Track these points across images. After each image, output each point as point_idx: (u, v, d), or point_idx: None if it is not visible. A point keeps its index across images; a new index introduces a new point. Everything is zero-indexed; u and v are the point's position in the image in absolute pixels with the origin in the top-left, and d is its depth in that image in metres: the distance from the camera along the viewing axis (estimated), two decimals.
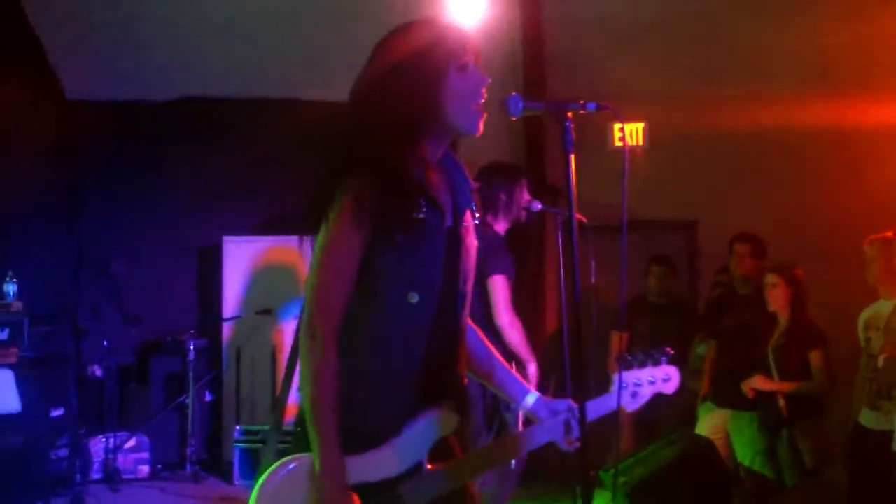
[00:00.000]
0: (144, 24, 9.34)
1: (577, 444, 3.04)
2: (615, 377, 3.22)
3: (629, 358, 3.33)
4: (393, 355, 2.71)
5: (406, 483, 2.69)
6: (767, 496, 6.57)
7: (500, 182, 6.07)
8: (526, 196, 6.10)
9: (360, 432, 2.63)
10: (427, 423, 2.73)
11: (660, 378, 3.32)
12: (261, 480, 2.61)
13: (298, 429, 2.70)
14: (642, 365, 3.28)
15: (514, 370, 3.30)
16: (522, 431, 3.07)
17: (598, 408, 3.16)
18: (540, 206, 5.90)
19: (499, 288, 5.81)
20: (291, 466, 2.63)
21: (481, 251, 5.85)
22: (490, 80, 2.81)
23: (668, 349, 3.37)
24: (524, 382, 3.22)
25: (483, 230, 6.01)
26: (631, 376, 3.26)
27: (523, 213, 6.10)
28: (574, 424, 3.05)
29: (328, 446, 2.56)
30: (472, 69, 2.79)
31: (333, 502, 2.54)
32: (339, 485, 2.55)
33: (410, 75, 2.71)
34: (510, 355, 5.87)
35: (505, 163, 6.50)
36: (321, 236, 2.64)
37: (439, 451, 2.77)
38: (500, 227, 6.05)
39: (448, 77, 2.74)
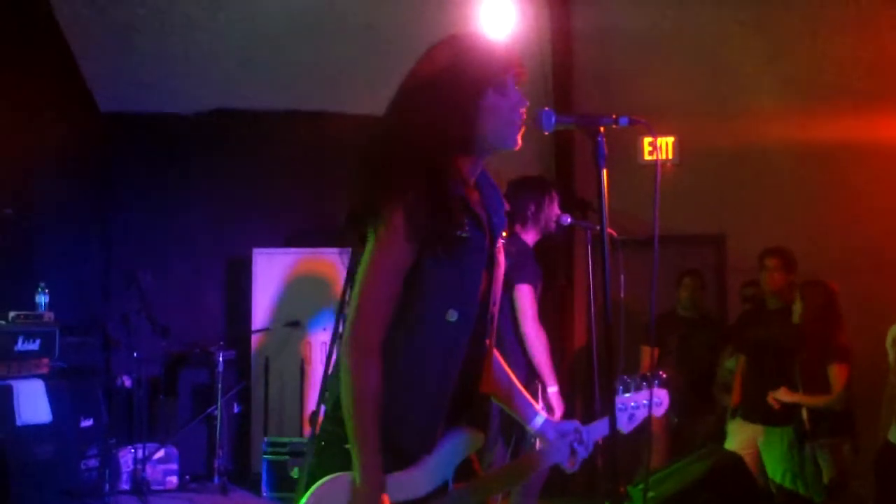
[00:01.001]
0: (176, 38, 9.41)
1: (577, 466, 3.10)
2: (616, 400, 3.24)
3: (628, 380, 3.36)
4: (428, 373, 2.68)
5: (434, 502, 2.69)
6: None
7: (529, 193, 6.06)
8: (556, 209, 6.08)
9: (394, 450, 2.61)
10: (456, 443, 2.74)
11: (654, 401, 3.35)
12: (306, 497, 2.57)
13: (322, 443, 2.70)
14: (639, 388, 3.31)
15: (527, 391, 3.31)
16: (534, 452, 3.07)
17: (597, 430, 3.18)
18: (570, 220, 5.89)
19: (525, 297, 5.79)
20: (337, 482, 2.59)
21: (508, 261, 5.86)
22: (528, 103, 2.80)
23: (661, 373, 3.40)
24: (534, 404, 3.21)
25: (511, 240, 6.03)
26: (630, 399, 3.29)
27: (553, 225, 6.08)
28: (578, 448, 3.10)
29: (371, 463, 2.53)
30: (512, 89, 2.78)
31: None
32: (379, 501, 2.53)
33: (448, 92, 2.68)
34: (533, 372, 5.86)
35: (535, 176, 6.49)
36: (369, 250, 2.59)
37: (463, 469, 2.78)
38: (529, 237, 6.04)
39: (486, 95, 2.72)
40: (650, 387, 3.33)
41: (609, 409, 2.81)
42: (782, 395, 6.53)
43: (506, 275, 5.80)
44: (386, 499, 2.54)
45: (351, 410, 2.55)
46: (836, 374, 6.39)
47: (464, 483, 2.78)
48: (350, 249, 2.75)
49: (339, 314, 2.74)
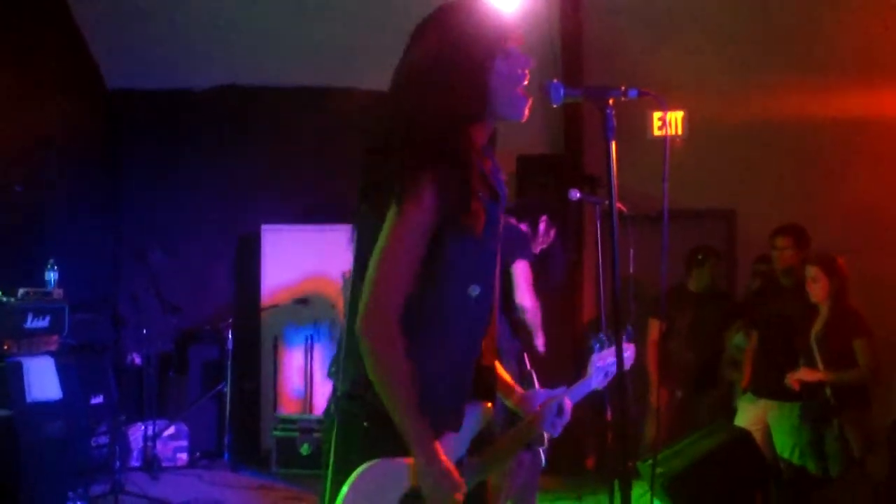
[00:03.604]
0: (184, 13, 9.39)
1: (559, 431, 3.09)
2: (592, 359, 3.26)
3: (603, 337, 3.38)
4: (455, 350, 2.67)
5: None
6: (807, 488, 6.52)
7: (548, 213, 6.19)
8: (551, 234, 6.23)
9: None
10: (472, 417, 2.73)
11: (624, 356, 3.37)
12: (345, 490, 2.49)
13: (340, 423, 2.67)
14: (611, 344, 3.32)
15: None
16: (528, 418, 3.06)
17: (580, 391, 3.20)
18: (578, 195, 5.87)
19: (524, 271, 5.80)
20: (375, 470, 2.52)
21: (504, 239, 5.89)
22: (533, 62, 2.77)
23: (628, 326, 3.43)
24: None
25: (505, 223, 6.07)
26: (605, 356, 3.31)
27: (536, 251, 6.19)
28: (557, 418, 3.08)
29: (425, 437, 2.50)
30: (516, 52, 2.74)
31: (450, 488, 2.51)
32: (446, 468, 2.51)
33: (458, 61, 2.64)
34: (523, 358, 5.88)
35: (536, 203, 6.52)
36: (389, 223, 2.52)
37: (476, 443, 2.78)
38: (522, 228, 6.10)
39: (495, 62, 2.68)
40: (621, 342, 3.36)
41: (620, 383, 2.79)
42: (804, 375, 6.49)
43: (503, 252, 5.83)
44: (453, 468, 2.53)
45: (387, 390, 2.50)
46: (864, 348, 6.36)
47: (476, 456, 2.77)
48: (356, 224, 2.72)
49: (353, 293, 2.68)
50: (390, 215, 2.52)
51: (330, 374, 2.60)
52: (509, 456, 3.14)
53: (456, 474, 2.52)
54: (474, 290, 2.65)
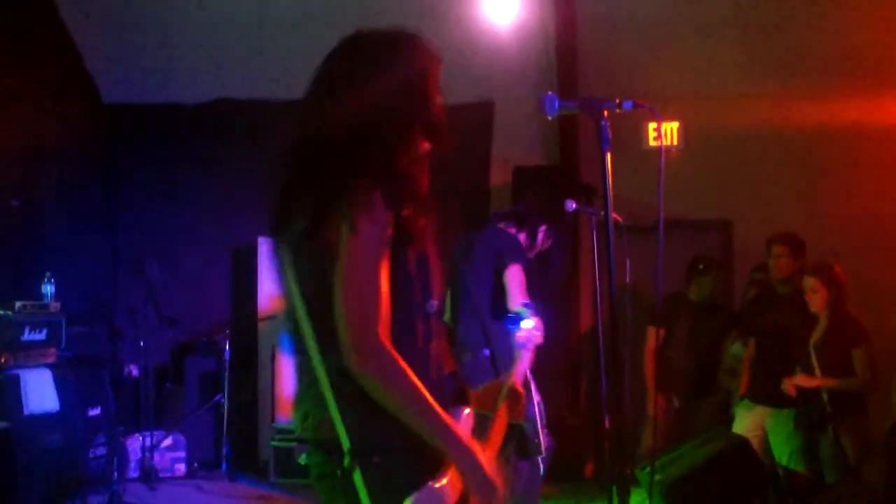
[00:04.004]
0: (178, 28, 9.42)
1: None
2: (515, 337, 3.31)
3: (515, 316, 3.44)
4: (427, 371, 2.59)
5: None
6: (805, 494, 6.54)
7: (528, 224, 6.13)
8: (549, 241, 6.21)
9: (418, 455, 2.49)
10: (464, 422, 2.73)
11: (534, 333, 3.42)
12: None
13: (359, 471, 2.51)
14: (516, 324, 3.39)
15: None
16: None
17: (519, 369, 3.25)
18: (574, 206, 5.88)
19: (517, 275, 5.77)
20: (423, 497, 2.45)
21: (496, 248, 5.88)
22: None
23: (528, 302, 3.51)
24: None
25: (498, 230, 6.08)
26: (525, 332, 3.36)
27: (532, 254, 6.17)
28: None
29: (463, 448, 2.46)
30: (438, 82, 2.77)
31: (495, 482, 2.48)
32: (486, 472, 2.48)
33: (406, 90, 2.65)
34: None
35: (537, 209, 6.50)
36: (345, 246, 2.41)
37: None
38: (519, 237, 6.09)
39: (435, 92, 2.72)
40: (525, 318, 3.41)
41: (617, 390, 2.82)
42: (801, 381, 6.51)
43: (493, 260, 5.84)
44: (495, 475, 2.49)
45: (415, 414, 2.42)
46: (863, 356, 6.39)
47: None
48: (284, 256, 2.63)
49: (299, 324, 2.58)
50: (344, 238, 2.42)
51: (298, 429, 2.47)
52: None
53: (493, 480, 2.50)
54: (431, 307, 2.65)
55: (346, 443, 2.45)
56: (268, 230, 2.70)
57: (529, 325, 3.44)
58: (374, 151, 2.52)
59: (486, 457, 2.49)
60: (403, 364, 2.41)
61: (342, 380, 2.46)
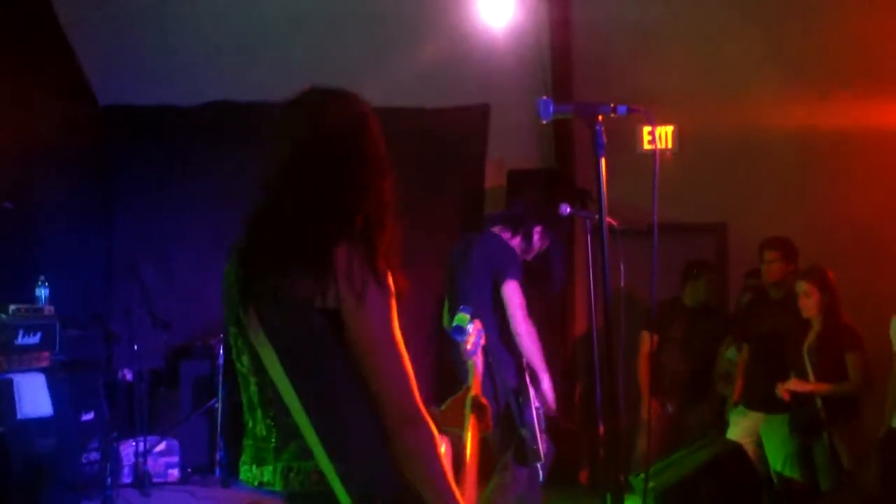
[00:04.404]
0: (175, 30, 9.40)
1: None
2: (463, 348, 3.30)
3: (459, 326, 3.44)
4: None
5: None
6: (799, 500, 6.54)
7: (546, 221, 6.20)
8: (546, 241, 6.23)
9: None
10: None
11: (481, 332, 3.44)
12: None
13: None
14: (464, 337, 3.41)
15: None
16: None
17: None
18: (569, 210, 5.87)
19: (515, 293, 5.78)
20: None
21: (492, 258, 5.89)
22: None
23: (463, 306, 3.53)
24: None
25: (493, 238, 6.07)
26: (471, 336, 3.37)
27: (530, 257, 6.22)
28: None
29: None
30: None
31: None
32: None
33: (367, 163, 2.65)
34: (522, 372, 5.87)
35: (533, 210, 6.47)
36: (368, 316, 2.42)
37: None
38: (513, 243, 6.09)
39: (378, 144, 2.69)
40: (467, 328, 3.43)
41: (611, 394, 2.80)
42: (795, 386, 6.52)
43: (490, 271, 5.84)
44: None
45: (432, 489, 2.45)
46: (856, 361, 6.40)
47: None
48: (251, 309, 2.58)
49: (270, 382, 2.56)
50: (353, 311, 2.42)
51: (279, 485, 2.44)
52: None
53: None
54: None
55: (345, 498, 2.45)
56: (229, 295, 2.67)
57: (471, 331, 3.45)
58: (345, 211, 2.52)
59: (466, 491, 2.51)
60: (437, 437, 2.46)
61: (329, 434, 2.46)
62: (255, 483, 2.65)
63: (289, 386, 2.48)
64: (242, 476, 2.71)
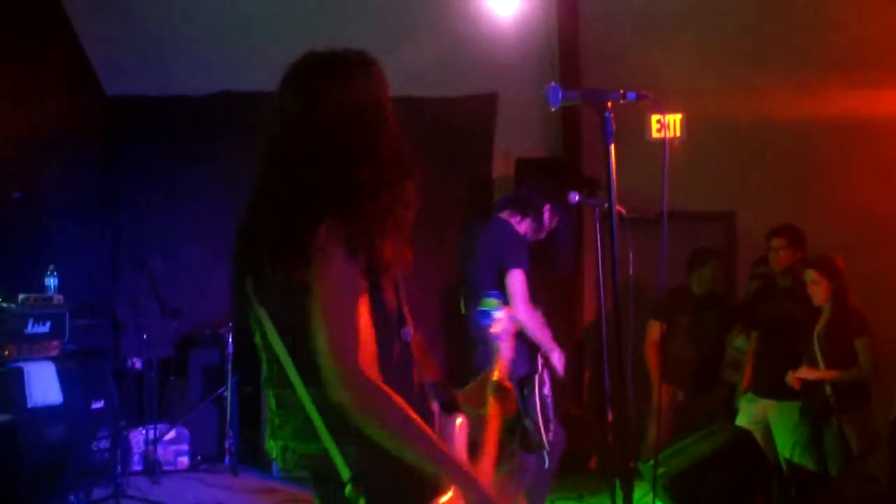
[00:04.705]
0: (182, 20, 9.40)
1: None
2: (491, 332, 3.31)
3: (485, 311, 3.45)
4: (404, 390, 2.50)
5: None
6: (807, 486, 6.54)
7: (552, 201, 6.15)
8: (556, 219, 6.20)
9: (420, 481, 2.46)
10: (454, 432, 2.73)
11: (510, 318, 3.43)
12: None
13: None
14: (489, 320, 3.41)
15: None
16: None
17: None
18: (577, 198, 5.87)
19: (517, 282, 5.76)
20: None
21: (499, 245, 5.87)
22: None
23: (495, 290, 3.53)
24: None
25: (500, 226, 6.06)
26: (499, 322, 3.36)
27: (543, 235, 6.20)
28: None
29: (455, 466, 2.43)
30: (385, 99, 2.75)
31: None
32: (486, 492, 2.43)
33: (356, 117, 2.64)
34: (534, 357, 5.86)
35: (557, 181, 6.44)
36: (315, 277, 2.40)
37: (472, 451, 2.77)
38: (521, 229, 6.08)
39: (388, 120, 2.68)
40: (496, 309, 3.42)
41: (621, 383, 2.81)
42: (805, 374, 6.52)
43: (496, 258, 5.82)
44: (493, 493, 2.45)
45: (406, 442, 2.39)
46: (865, 347, 6.40)
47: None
48: (254, 286, 2.60)
49: (276, 359, 2.56)
50: (317, 274, 2.41)
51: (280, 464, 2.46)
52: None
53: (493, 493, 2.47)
54: (407, 334, 2.63)
55: (345, 472, 2.44)
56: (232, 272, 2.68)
57: (500, 316, 3.44)
58: (332, 186, 2.51)
59: (482, 472, 2.52)
60: (390, 393, 2.38)
61: (328, 409, 2.43)
62: (273, 457, 2.63)
63: (290, 363, 2.50)
64: (267, 448, 2.69)
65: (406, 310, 2.66)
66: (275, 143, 2.73)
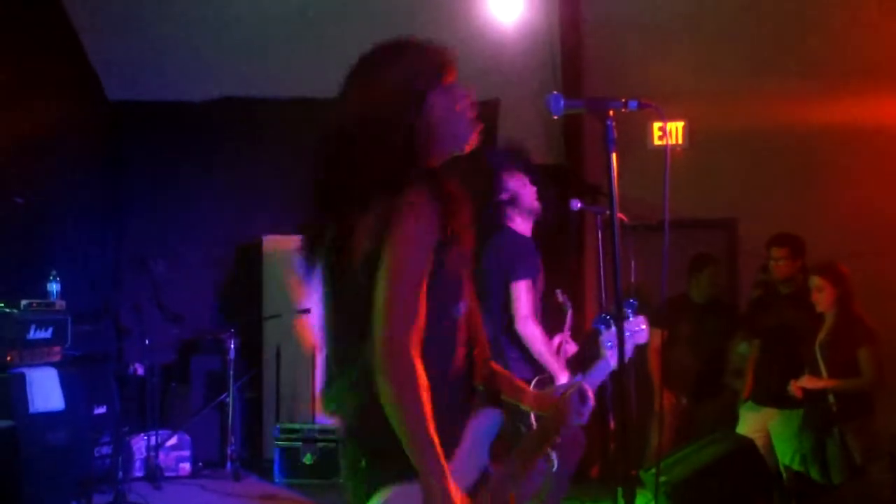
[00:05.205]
0: (183, 25, 9.41)
1: (587, 418, 3.06)
2: (602, 340, 3.24)
3: (607, 317, 3.37)
4: (449, 370, 2.64)
5: (480, 495, 2.64)
6: (809, 495, 6.53)
7: (498, 186, 6.01)
8: (529, 186, 6.03)
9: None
10: (482, 427, 2.72)
11: (635, 330, 3.35)
12: None
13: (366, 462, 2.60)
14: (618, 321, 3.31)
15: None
16: (551, 412, 3.05)
17: (598, 374, 3.18)
18: (579, 205, 5.86)
19: (521, 293, 5.71)
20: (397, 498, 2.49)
21: (506, 255, 5.80)
22: (471, 94, 2.79)
23: (631, 300, 3.42)
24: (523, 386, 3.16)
25: (505, 234, 6.01)
26: (614, 334, 3.28)
27: (536, 205, 6.00)
28: (582, 404, 3.05)
29: (441, 471, 2.43)
30: (453, 86, 2.76)
31: None
32: (455, 493, 2.44)
33: (387, 103, 2.67)
34: (534, 364, 5.81)
35: (495, 165, 6.30)
36: (391, 249, 2.46)
37: (495, 450, 2.75)
38: (520, 227, 5.99)
39: (427, 98, 2.70)
40: (628, 318, 3.34)
41: (622, 390, 2.80)
42: (807, 383, 6.51)
43: (503, 270, 5.76)
44: (462, 496, 2.47)
45: (411, 427, 2.43)
46: (869, 356, 6.38)
47: (500, 463, 2.75)
48: (322, 264, 2.68)
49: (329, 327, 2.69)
50: (391, 239, 2.47)
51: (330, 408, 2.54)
52: (536, 456, 3.10)
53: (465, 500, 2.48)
54: (459, 310, 2.66)
55: (371, 435, 2.54)
56: (300, 236, 2.77)
57: (634, 326, 3.40)
58: (388, 158, 2.58)
59: (458, 489, 2.47)
60: (420, 376, 2.44)
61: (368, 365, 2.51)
62: (323, 409, 2.78)
63: (344, 323, 2.62)
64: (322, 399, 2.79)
65: (467, 286, 2.71)
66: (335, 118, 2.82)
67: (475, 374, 2.79)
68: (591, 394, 3.08)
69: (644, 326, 3.42)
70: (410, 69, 2.72)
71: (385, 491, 2.51)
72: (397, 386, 2.42)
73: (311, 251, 2.72)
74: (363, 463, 2.57)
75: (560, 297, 6.24)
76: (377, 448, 2.54)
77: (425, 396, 2.43)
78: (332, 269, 2.66)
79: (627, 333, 3.26)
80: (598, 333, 3.44)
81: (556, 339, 5.99)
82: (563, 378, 5.82)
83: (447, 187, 2.57)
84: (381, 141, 2.62)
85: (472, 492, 2.62)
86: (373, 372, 2.46)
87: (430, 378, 2.52)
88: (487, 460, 2.70)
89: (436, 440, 2.44)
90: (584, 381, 3.11)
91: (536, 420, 3.08)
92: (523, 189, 5.99)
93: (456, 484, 2.48)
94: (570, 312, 6.04)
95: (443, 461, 2.45)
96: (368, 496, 2.54)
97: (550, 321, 6.08)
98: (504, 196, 5.94)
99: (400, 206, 2.47)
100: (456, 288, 2.66)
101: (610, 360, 3.25)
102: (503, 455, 2.82)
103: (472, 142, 2.78)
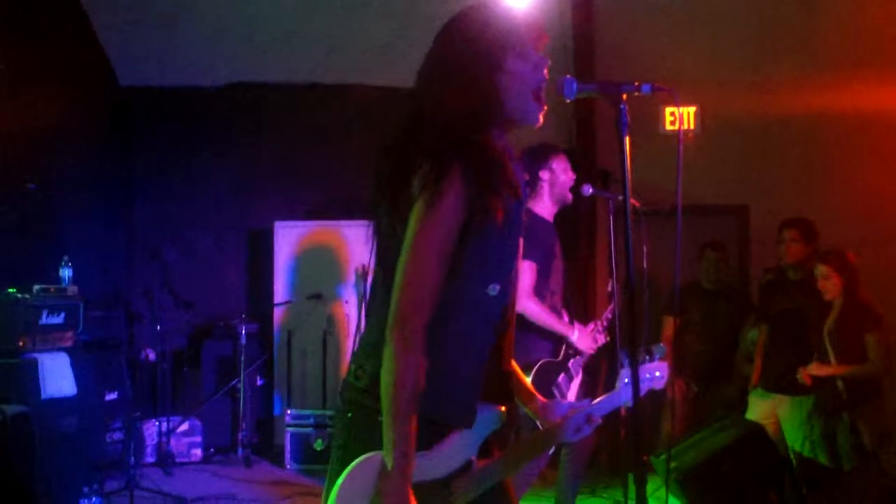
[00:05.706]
0: (195, 11, 9.40)
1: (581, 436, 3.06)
2: (621, 374, 3.22)
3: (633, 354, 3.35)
4: (472, 348, 2.64)
5: (458, 480, 2.66)
6: (819, 481, 6.52)
7: (540, 163, 5.93)
8: (570, 174, 5.98)
9: (435, 422, 2.57)
10: (483, 420, 2.71)
11: (654, 373, 3.33)
12: (342, 477, 2.48)
13: (351, 415, 2.65)
14: (642, 361, 3.29)
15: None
16: (546, 429, 3.04)
17: (607, 405, 3.17)
18: (591, 191, 5.82)
19: (525, 273, 5.67)
20: (370, 462, 2.49)
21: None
22: (549, 62, 2.76)
23: (662, 344, 3.39)
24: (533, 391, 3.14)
25: (530, 214, 5.97)
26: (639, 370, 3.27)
27: (569, 195, 5.95)
28: (584, 426, 3.05)
29: (404, 450, 2.42)
30: (531, 54, 2.72)
31: (396, 501, 2.43)
32: (405, 488, 2.43)
33: (470, 61, 2.63)
34: (547, 333, 5.77)
35: (544, 144, 6.27)
36: (416, 218, 2.46)
37: (485, 447, 2.75)
38: (545, 211, 5.93)
39: (506, 61, 2.66)
40: (651, 360, 3.32)
41: (633, 381, 2.79)
42: (816, 370, 6.50)
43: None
44: (411, 494, 2.45)
45: (390, 395, 2.44)
46: (876, 342, 6.38)
47: (486, 460, 2.75)
48: (377, 220, 2.68)
49: (373, 287, 2.71)
50: (416, 210, 2.47)
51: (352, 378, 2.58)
52: (523, 462, 3.10)
53: (409, 498, 2.46)
54: (493, 289, 2.62)
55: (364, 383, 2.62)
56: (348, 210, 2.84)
57: (654, 370, 3.39)
58: (451, 135, 2.54)
59: (409, 490, 2.46)
60: (419, 359, 2.45)
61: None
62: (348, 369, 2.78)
63: (383, 292, 2.60)
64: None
65: (508, 269, 2.69)
66: (423, 81, 2.74)
67: (502, 361, 2.78)
68: (598, 420, 3.07)
69: (663, 374, 3.41)
70: (495, 29, 2.70)
71: (369, 455, 2.50)
72: (394, 361, 2.44)
73: (374, 217, 2.72)
74: (379, 419, 2.51)
75: (610, 286, 6.17)
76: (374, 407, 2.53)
77: (420, 380, 2.45)
78: (379, 233, 2.68)
79: (647, 375, 3.27)
80: (621, 366, 3.44)
81: (590, 326, 5.94)
82: (574, 335, 5.77)
83: (491, 161, 2.55)
84: (447, 101, 2.61)
85: (450, 477, 2.64)
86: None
87: (450, 352, 2.56)
88: (475, 453, 2.70)
89: (412, 426, 2.45)
90: (592, 409, 3.10)
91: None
92: (564, 174, 5.95)
93: (425, 472, 2.54)
94: (612, 305, 5.97)
95: (411, 447, 2.45)
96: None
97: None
98: (543, 175, 5.91)
99: (431, 179, 2.45)
100: (490, 267, 2.62)
101: (622, 394, 3.24)
102: (497, 452, 2.81)
103: (537, 117, 2.76)
